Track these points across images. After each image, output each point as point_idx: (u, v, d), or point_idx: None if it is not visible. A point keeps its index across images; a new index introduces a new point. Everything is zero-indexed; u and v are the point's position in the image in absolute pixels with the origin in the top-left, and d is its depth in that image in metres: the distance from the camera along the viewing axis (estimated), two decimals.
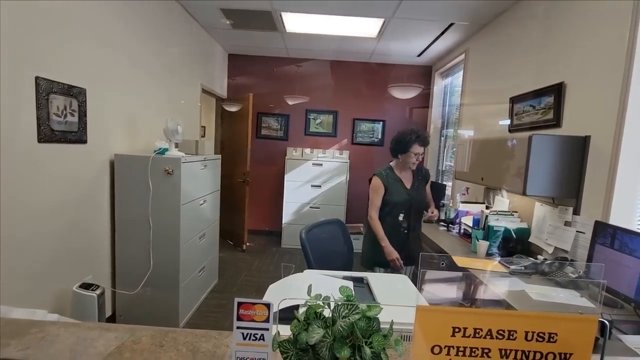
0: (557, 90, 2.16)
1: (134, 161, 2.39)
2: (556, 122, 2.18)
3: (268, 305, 0.59)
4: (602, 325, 0.59)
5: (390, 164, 2.31)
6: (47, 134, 1.86)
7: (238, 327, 0.59)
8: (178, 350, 0.71)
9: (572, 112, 2.09)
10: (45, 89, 1.82)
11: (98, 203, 2.34)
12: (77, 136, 2.08)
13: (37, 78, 1.77)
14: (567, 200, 2.02)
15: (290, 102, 4.92)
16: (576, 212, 1.96)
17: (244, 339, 0.59)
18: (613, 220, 1.70)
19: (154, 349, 0.71)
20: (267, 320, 0.59)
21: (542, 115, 2.33)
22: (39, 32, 1.78)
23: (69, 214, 2.07)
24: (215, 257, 3.35)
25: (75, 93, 2.04)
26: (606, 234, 1.58)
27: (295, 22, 3.55)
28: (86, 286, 2.07)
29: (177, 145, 2.67)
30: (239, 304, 0.58)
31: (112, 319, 2.48)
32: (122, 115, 2.54)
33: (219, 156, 3.29)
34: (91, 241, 2.28)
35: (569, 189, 1.97)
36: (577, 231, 1.92)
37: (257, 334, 0.59)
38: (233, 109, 4.66)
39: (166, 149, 2.51)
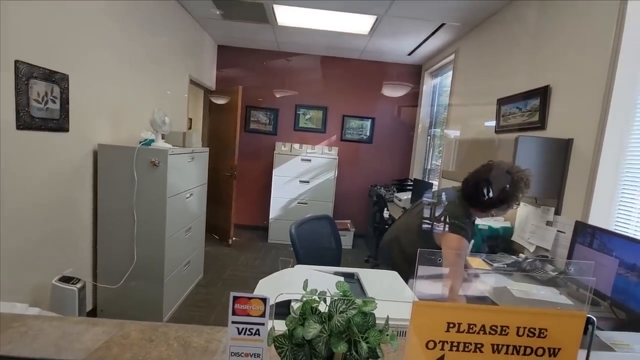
0: (543, 94, 2.22)
1: (118, 152, 2.32)
2: (541, 125, 2.24)
3: (264, 300, 0.58)
4: (587, 322, 0.61)
5: (460, 204, 1.59)
6: (26, 121, 1.77)
7: (233, 322, 0.58)
8: (169, 345, 0.70)
9: (556, 115, 2.15)
10: (25, 74, 1.73)
11: (80, 194, 2.26)
12: (59, 124, 2.00)
13: (16, 62, 1.68)
14: (549, 200, 2.08)
15: (279, 96, 4.88)
16: (557, 212, 2.03)
17: (239, 333, 0.58)
18: (592, 221, 1.77)
19: (143, 343, 0.70)
20: (262, 315, 0.58)
21: (527, 118, 2.39)
22: (19, 14, 1.69)
23: (48, 205, 1.99)
24: (201, 251, 3.30)
25: (57, 79, 1.95)
26: (586, 234, 1.64)
27: (287, 15, 3.51)
28: (66, 279, 2.00)
29: (163, 137, 2.61)
30: (235, 298, 0.58)
31: (92, 314, 2.42)
32: (106, 104, 2.45)
33: (207, 149, 3.23)
34: (72, 234, 2.21)
35: (551, 189, 2.04)
36: (558, 231, 1.99)
37: (252, 328, 0.58)
38: (221, 101, 4.58)
39: (152, 140, 2.44)
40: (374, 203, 4.48)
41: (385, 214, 3.86)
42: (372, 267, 1.93)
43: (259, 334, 0.59)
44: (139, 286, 2.40)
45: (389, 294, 1.12)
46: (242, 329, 0.58)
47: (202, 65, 4.36)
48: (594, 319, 0.59)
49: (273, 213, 4.64)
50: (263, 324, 0.59)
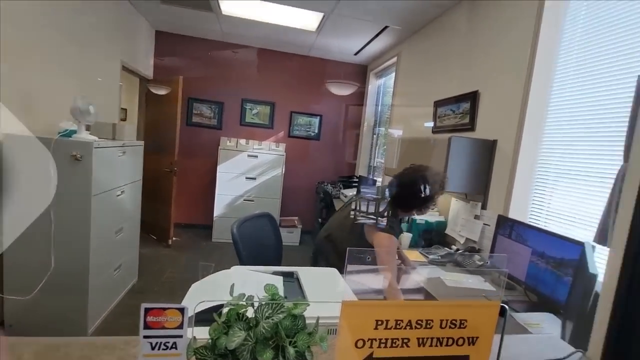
0: (473, 98, 2.40)
1: (30, 144, 2.02)
2: (471, 127, 2.43)
3: (182, 310, 0.53)
4: (502, 309, 0.65)
5: (388, 208, 1.68)
6: None
7: (145, 337, 0.52)
8: None
9: (484, 118, 2.35)
10: None
11: None
12: None
13: None
14: (477, 196, 2.27)
15: (224, 89, 4.68)
16: (484, 206, 2.22)
17: (153, 349, 0.52)
18: (512, 214, 1.96)
19: None
20: (180, 327, 0.53)
21: (460, 119, 2.57)
22: None
23: None
24: (135, 253, 3.04)
25: None
26: (505, 226, 1.81)
27: (232, 5, 3.36)
28: None
29: (88, 128, 2.33)
30: (147, 310, 0.51)
31: None
32: (14, 89, 2.12)
33: (142, 142, 2.97)
34: None
35: (479, 186, 2.22)
36: (484, 224, 2.18)
37: (168, 342, 0.53)
38: (160, 91, 4.25)
39: (74, 131, 2.17)
40: (320, 199, 4.52)
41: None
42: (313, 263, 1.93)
43: (175, 348, 0.53)
44: (58, 295, 2.12)
45: (328, 292, 1.12)
46: (156, 343, 0.53)
47: (137, 51, 4.00)
48: (507, 307, 0.63)
49: (217, 211, 4.45)
50: (181, 336, 0.53)
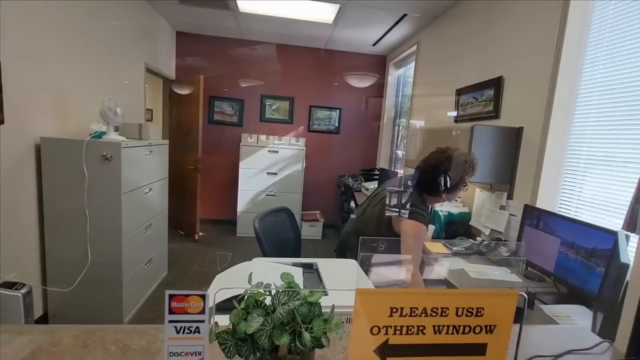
0: (497, 84, 2.31)
1: (65, 146, 2.15)
2: (495, 114, 2.34)
3: (203, 296, 0.55)
4: (525, 299, 0.64)
5: (414, 192, 1.61)
6: None
7: (170, 321, 0.55)
8: (105, 350, 0.66)
9: (509, 105, 2.26)
10: None
11: (21, 192, 2.08)
12: None
13: None
14: (502, 186, 2.20)
15: (244, 87, 4.75)
16: (510, 197, 2.14)
17: (178, 332, 0.56)
18: (540, 204, 1.88)
19: (76, 350, 0.65)
20: (202, 312, 0.56)
21: (483, 107, 2.48)
22: None
23: None
24: (164, 248, 3.18)
25: None
26: (533, 216, 1.75)
27: (249, 2, 3.39)
28: (9, 285, 1.85)
29: (116, 129, 2.45)
30: (171, 296, 0.55)
31: (43, 320, 2.26)
32: (49, 94, 2.26)
33: (167, 141, 3.08)
34: (14, 236, 2.03)
35: (504, 175, 2.14)
36: (510, 214, 2.11)
37: (191, 326, 0.56)
38: (183, 91, 4.38)
39: (103, 133, 2.29)
40: (341, 193, 4.52)
41: (354, 204, 3.91)
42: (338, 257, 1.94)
43: (199, 332, 0.56)
44: (96, 287, 2.27)
45: (348, 283, 1.13)
46: (181, 327, 0.56)
47: (160, 53, 4.13)
48: (526, 295, 0.62)
49: (241, 206, 4.55)
50: (203, 321, 0.56)
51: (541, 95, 1.93)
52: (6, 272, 1.96)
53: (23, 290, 1.84)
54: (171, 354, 0.56)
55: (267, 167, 4.54)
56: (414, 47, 3.90)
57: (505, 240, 2.10)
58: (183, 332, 0.56)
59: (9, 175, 1.97)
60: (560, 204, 1.89)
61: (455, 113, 2.87)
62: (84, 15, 2.56)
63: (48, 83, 2.24)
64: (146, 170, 2.66)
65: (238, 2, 3.39)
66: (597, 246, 1.36)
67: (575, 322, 1.32)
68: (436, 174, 1.56)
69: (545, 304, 1.46)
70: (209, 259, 3.78)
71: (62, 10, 2.31)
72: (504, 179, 2.15)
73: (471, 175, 1.61)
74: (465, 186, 1.61)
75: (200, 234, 4.32)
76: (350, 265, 1.29)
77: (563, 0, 1.81)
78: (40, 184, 2.18)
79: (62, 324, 0.75)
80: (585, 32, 1.78)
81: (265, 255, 1.79)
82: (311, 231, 4.68)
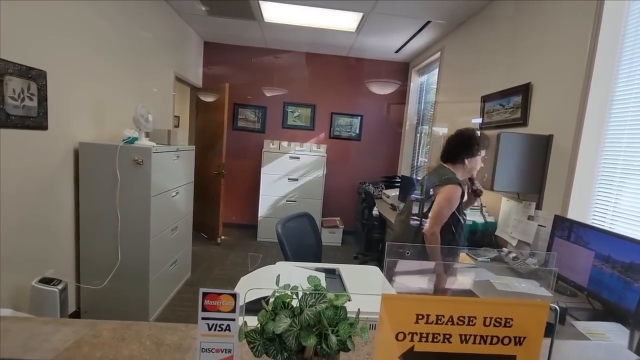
0: (525, 90, 2.26)
1: (100, 150, 2.28)
2: (523, 121, 2.28)
3: (234, 296, 0.58)
4: (556, 311, 0.62)
5: (450, 169, 1.86)
6: (1, 119, 1.73)
7: (203, 318, 0.58)
8: (141, 343, 0.69)
9: (537, 112, 2.19)
10: None
11: (60, 194, 2.21)
12: (37, 122, 1.96)
13: None
14: (530, 195, 2.12)
15: (267, 94, 4.86)
16: (538, 207, 2.07)
17: (210, 329, 0.58)
18: (571, 215, 1.81)
19: (114, 342, 0.69)
20: (233, 311, 0.58)
21: (510, 114, 2.42)
22: None
23: (27, 205, 1.95)
24: (188, 250, 3.28)
25: (35, 75, 1.91)
26: (564, 228, 1.68)
27: (273, 12, 3.49)
28: (47, 281, 1.96)
29: (147, 135, 2.57)
30: (204, 294, 0.57)
31: (75, 316, 2.38)
32: (87, 102, 2.40)
33: (193, 147, 3.20)
34: (52, 234, 2.17)
35: (532, 185, 2.08)
36: (538, 225, 2.03)
37: (222, 324, 0.58)
38: (209, 99, 4.53)
39: (135, 138, 2.41)
40: (362, 200, 4.50)
41: (375, 212, 3.88)
42: (361, 263, 1.94)
43: (229, 330, 0.58)
44: (124, 286, 2.37)
45: (370, 289, 1.13)
46: (213, 324, 0.58)
47: (188, 62, 4.31)
48: (558, 308, 0.60)
49: (262, 211, 4.62)
50: (234, 320, 0.58)
51: (573, 101, 1.86)
52: (45, 269, 2.08)
53: (60, 286, 1.95)
54: (203, 350, 0.58)
55: (288, 173, 4.60)
56: (438, 54, 3.87)
57: (534, 252, 2.02)
58: (215, 329, 0.58)
59: (50, 178, 2.10)
60: (594, 215, 1.81)
61: (480, 120, 2.82)
62: (119, 28, 2.72)
63: (86, 91, 2.38)
64: (173, 175, 2.77)
65: (263, 12, 3.49)
66: (635, 260, 1.29)
67: (610, 340, 1.25)
68: (455, 142, 1.88)
69: (578, 320, 1.39)
70: (230, 262, 3.85)
71: (99, 24, 2.47)
72: (533, 188, 2.08)
73: (486, 145, 1.91)
74: (484, 155, 1.88)
75: (222, 237, 4.42)
76: (372, 272, 1.29)
77: (597, 0, 1.75)
78: (77, 186, 2.31)
79: (101, 319, 0.80)
80: (620, 34, 1.72)
81: (287, 259, 1.81)
82: (331, 237, 4.68)
